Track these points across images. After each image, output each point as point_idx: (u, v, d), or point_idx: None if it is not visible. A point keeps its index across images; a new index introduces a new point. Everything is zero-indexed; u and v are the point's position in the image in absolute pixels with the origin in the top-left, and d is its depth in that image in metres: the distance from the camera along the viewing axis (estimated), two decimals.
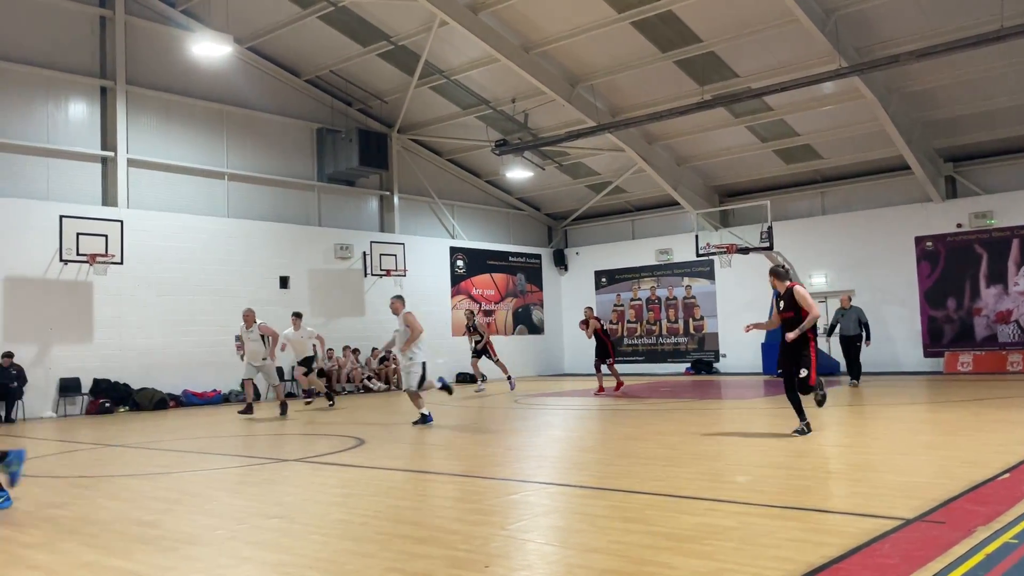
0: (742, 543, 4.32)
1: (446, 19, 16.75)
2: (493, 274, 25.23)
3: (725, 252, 20.78)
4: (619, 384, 16.35)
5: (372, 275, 21.30)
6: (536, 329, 26.55)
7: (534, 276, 26.68)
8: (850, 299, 16.42)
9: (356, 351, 20.62)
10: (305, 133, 21.02)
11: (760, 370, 20.96)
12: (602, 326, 16.61)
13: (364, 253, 21.31)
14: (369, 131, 21.33)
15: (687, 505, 5.38)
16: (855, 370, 15.93)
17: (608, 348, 16.26)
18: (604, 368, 16.30)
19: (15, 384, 14.70)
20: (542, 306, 26.84)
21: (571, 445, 9.26)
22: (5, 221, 15.31)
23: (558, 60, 18.75)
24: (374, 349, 21.10)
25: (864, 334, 15.67)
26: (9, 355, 14.82)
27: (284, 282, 19.72)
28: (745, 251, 20.67)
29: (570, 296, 27.25)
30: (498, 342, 24.72)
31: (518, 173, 22.97)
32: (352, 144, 20.58)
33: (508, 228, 26.38)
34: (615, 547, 4.32)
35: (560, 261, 27.34)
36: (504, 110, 21.07)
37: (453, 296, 23.89)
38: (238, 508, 5.93)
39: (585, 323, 16.38)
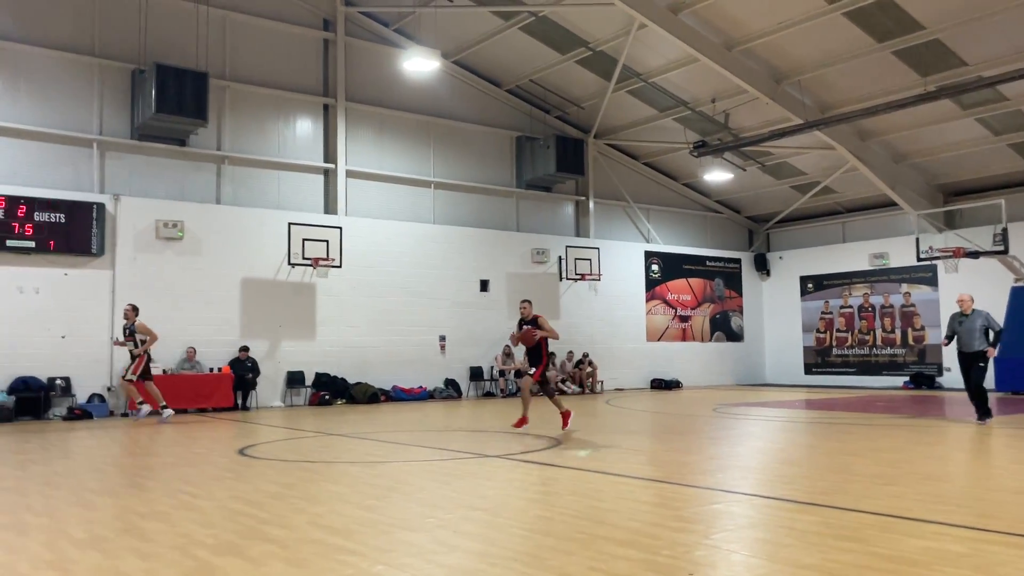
0: (976, 571, 3.93)
1: (645, 22, 16.63)
2: (689, 279, 24.68)
3: (951, 256, 19.03)
4: (565, 418, 10.98)
5: (567, 279, 21.55)
6: (735, 336, 25.66)
7: (733, 281, 25.80)
8: (972, 300, 11.84)
9: (552, 354, 20.92)
10: (505, 141, 21.66)
11: (993, 386, 18.97)
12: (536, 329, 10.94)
13: (560, 257, 21.61)
14: (566, 137, 21.61)
15: (911, 527, 4.97)
16: (980, 401, 11.56)
17: (543, 359, 11.10)
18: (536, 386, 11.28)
19: (250, 375, 16.31)
20: (742, 312, 25.90)
21: (776, 457, 8.85)
22: (243, 228, 17.02)
23: (762, 57, 18.03)
24: (570, 352, 21.33)
25: (990, 342, 11.50)
26: (245, 349, 16.46)
27: (484, 285, 20.42)
28: (975, 255, 18.81)
29: (773, 302, 26.09)
30: (693, 349, 24.23)
31: (717, 175, 22.33)
32: (550, 151, 20.95)
33: (706, 232, 25.71)
34: (831, 566, 4.07)
35: (762, 266, 26.25)
36: (703, 111, 20.57)
37: (648, 300, 23.63)
38: (446, 499, 6.20)
39: (521, 325, 11.14)
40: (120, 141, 16.07)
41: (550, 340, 11.17)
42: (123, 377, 13.54)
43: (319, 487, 6.80)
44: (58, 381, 14.64)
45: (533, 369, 11.08)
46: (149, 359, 13.52)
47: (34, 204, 14.53)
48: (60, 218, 14.77)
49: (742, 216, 26.47)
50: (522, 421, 11.12)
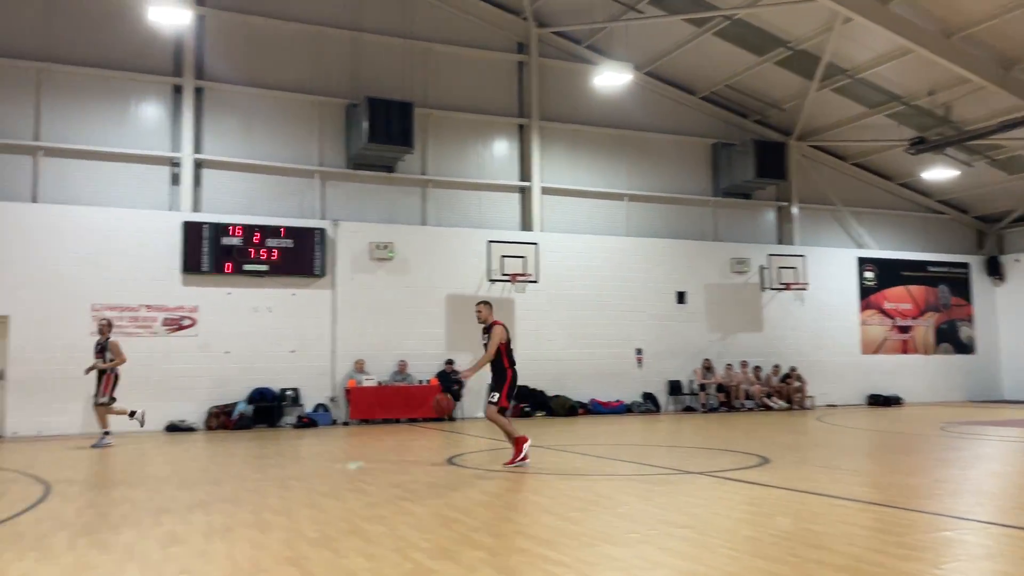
0: None
1: (850, 15, 15.70)
2: (909, 286, 22.82)
3: None
4: (517, 449, 9.03)
5: (770, 289, 20.67)
6: (965, 348, 23.37)
7: (960, 288, 23.54)
8: None
9: (758, 368, 20.13)
10: (700, 149, 21.21)
11: None
12: (508, 340, 9.18)
13: (761, 267, 20.77)
14: (766, 142, 20.80)
15: None
16: None
17: (507, 377, 9.04)
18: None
19: (456, 387, 17.04)
20: (972, 322, 23.55)
21: (1015, 482, 7.97)
22: (447, 247, 17.89)
23: (986, 42, 16.41)
24: (775, 366, 20.43)
25: None
26: (451, 362, 17.24)
27: (681, 297, 20.05)
28: None
29: (1010, 310, 23.53)
30: (915, 362, 22.36)
31: (938, 173, 20.55)
32: (748, 156, 20.25)
33: (926, 235, 23.69)
34: None
35: (995, 270, 23.75)
36: (920, 104, 19.03)
37: (862, 310, 22.10)
38: (648, 514, 6.16)
39: (487, 329, 9.14)
40: (337, 171, 17.46)
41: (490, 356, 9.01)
42: (95, 403, 12.34)
43: (523, 497, 6.99)
44: (288, 392, 16.08)
45: (496, 394, 8.93)
46: (116, 380, 12.37)
47: (267, 232, 16.12)
48: (289, 243, 16.28)
49: (969, 216, 24.14)
50: (519, 444, 8.96)
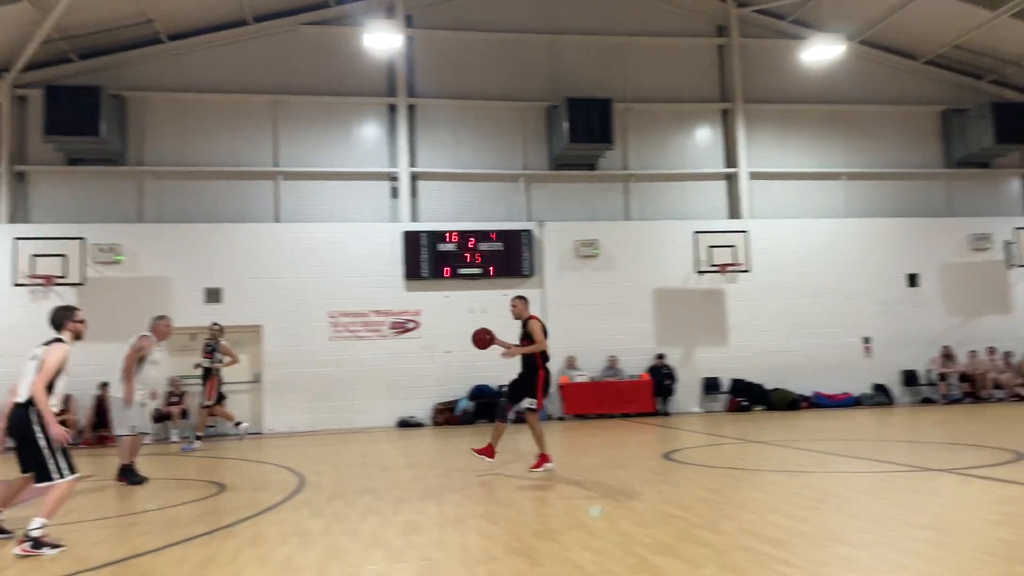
0: None
1: None
2: None
3: None
4: (542, 458, 8.76)
5: (1018, 266, 18.54)
6: None
7: None
8: None
9: (1008, 355, 18.13)
10: (926, 118, 19.46)
11: None
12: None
13: (1007, 242, 18.68)
14: (1006, 103, 18.69)
15: None
16: None
17: (540, 377, 8.87)
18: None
19: (668, 382, 16.89)
20: None
21: None
22: (651, 240, 17.74)
23: None
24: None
25: None
26: (661, 356, 17.10)
27: (913, 280, 18.51)
28: None
29: None
30: None
31: None
32: (985, 121, 18.30)
33: None
34: None
35: None
36: None
37: None
38: (883, 514, 5.79)
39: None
40: (541, 172, 17.88)
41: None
42: (201, 405, 12.76)
43: (745, 494, 6.82)
44: (506, 388, 16.68)
45: (531, 400, 8.65)
46: (220, 384, 12.77)
47: (478, 236, 16.86)
48: (499, 246, 16.92)
49: None
50: (545, 458, 8.70)
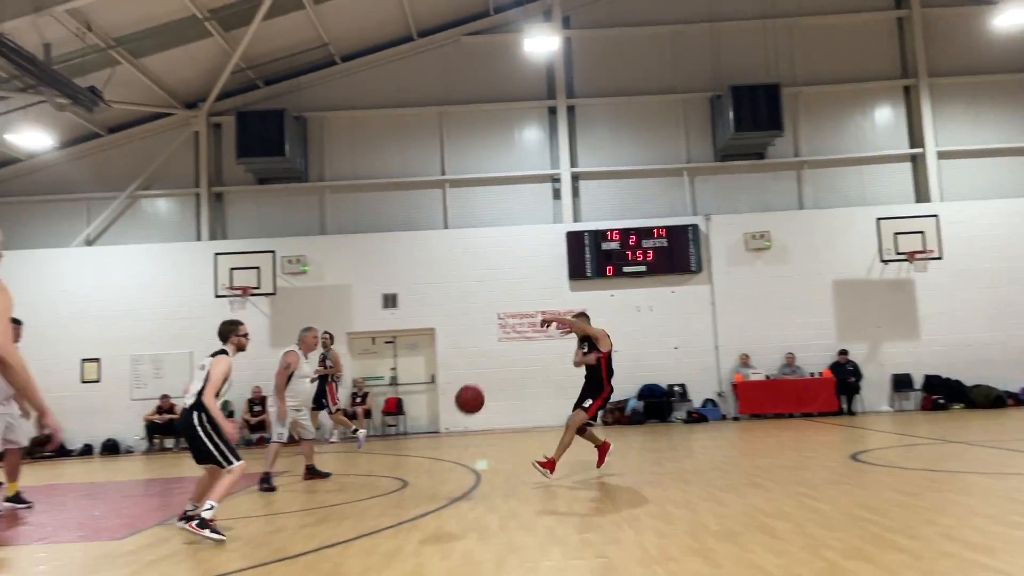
0: None
1: None
2: None
3: None
4: (551, 464, 8.39)
5: None
6: None
7: None
8: None
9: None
10: None
11: None
12: (610, 352, 8.76)
13: None
14: None
15: None
16: None
17: (604, 393, 8.68)
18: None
19: (852, 379, 15.90)
20: None
21: None
22: (828, 229, 16.79)
23: None
24: None
25: None
26: (844, 352, 16.13)
27: None
28: None
29: None
30: None
31: None
32: None
33: None
34: None
35: None
36: None
37: None
38: None
39: (585, 338, 8.91)
40: (705, 165, 17.40)
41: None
42: (330, 413, 12.41)
43: (945, 497, 6.29)
44: (676, 387, 16.37)
45: (589, 400, 8.56)
46: (337, 390, 12.51)
47: (641, 233, 16.65)
48: (663, 243, 16.63)
49: None
50: (552, 464, 8.38)
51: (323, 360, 13.14)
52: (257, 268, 15.97)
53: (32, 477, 11.22)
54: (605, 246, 16.67)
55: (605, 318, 16.52)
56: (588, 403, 8.50)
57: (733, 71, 17.29)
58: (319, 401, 12.46)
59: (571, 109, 17.59)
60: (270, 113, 16.41)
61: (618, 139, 17.56)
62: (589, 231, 16.74)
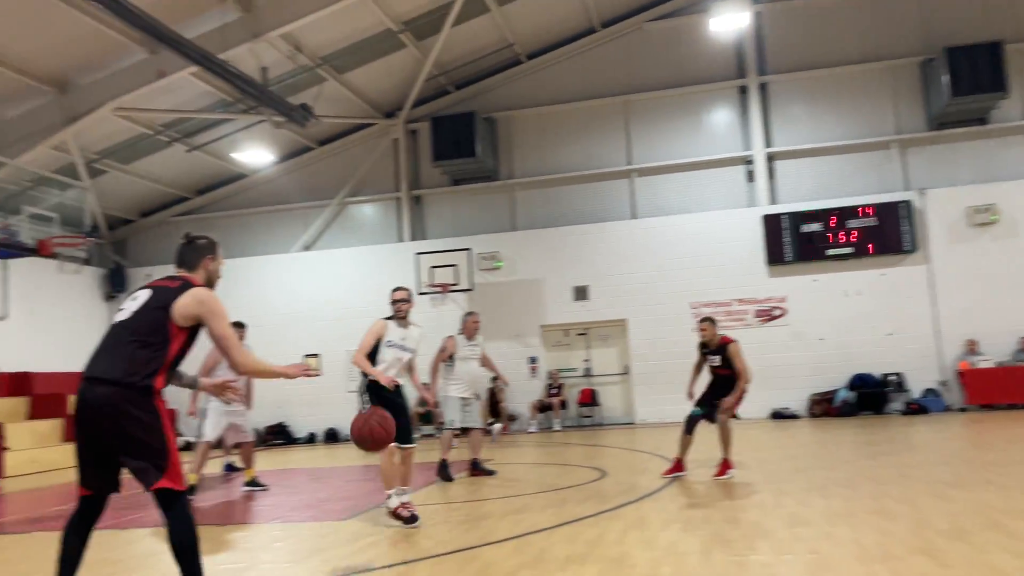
0: None
1: None
2: None
3: None
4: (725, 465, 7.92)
5: None
6: None
7: None
8: None
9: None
10: None
11: None
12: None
13: None
14: None
15: None
16: None
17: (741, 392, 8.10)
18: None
19: None
20: None
21: None
22: None
23: None
24: None
25: None
26: None
27: None
28: None
29: None
30: None
31: None
32: None
33: None
34: None
35: None
36: None
37: None
38: None
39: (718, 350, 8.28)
40: (917, 135, 16.03)
41: None
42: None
43: None
44: (891, 377, 15.23)
45: (728, 399, 8.07)
46: None
47: (845, 213, 15.62)
48: (871, 222, 15.50)
49: None
50: (729, 464, 7.97)
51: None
52: (455, 266, 16.65)
53: (267, 463, 12.41)
54: (805, 228, 15.81)
55: (809, 304, 15.75)
56: (728, 401, 8.09)
57: (946, 31, 15.78)
58: None
59: (763, 87, 16.83)
60: (461, 116, 17.03)
61: (816, 114, 16.58)
62: (787, 213, 15.95)
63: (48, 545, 6.53)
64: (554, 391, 16.35)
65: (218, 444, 9.34)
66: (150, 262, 18.38)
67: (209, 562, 5.44)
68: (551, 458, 11.19)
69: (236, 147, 16.86)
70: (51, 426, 14.26)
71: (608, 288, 16.68)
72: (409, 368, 6.64)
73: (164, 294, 3.72)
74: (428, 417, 15.47)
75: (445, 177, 18.02)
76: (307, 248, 18.44)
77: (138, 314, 3.67)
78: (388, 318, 6.60)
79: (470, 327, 9.21)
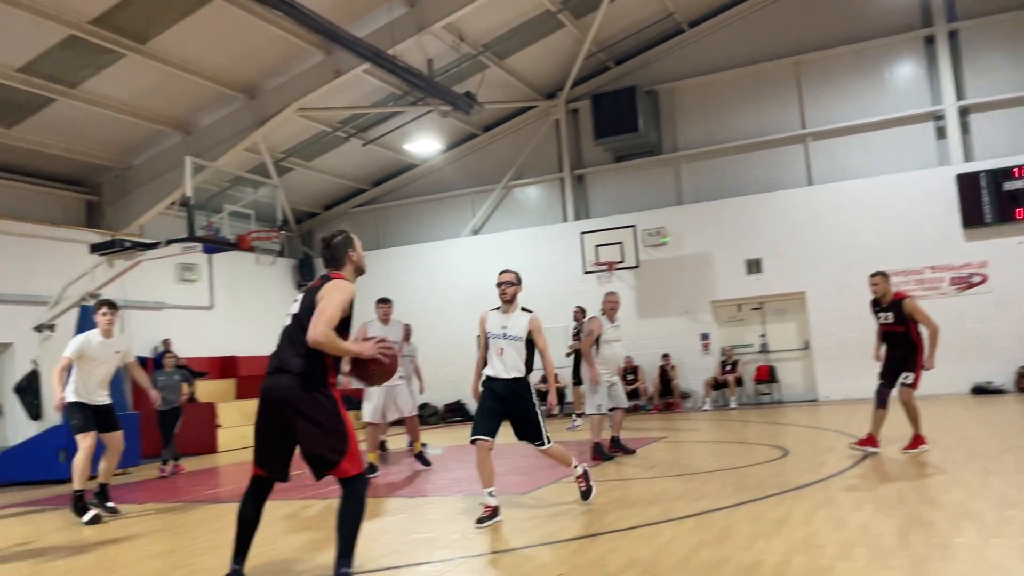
0: None
1: None
2: None
3: None
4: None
5: None
6: None
7: None
8: None
9: None
10: None
11: None
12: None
13: None
14: None
15: None
16: None
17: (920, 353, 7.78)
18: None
19: None
20: None
21: None
22: None
23: None
24: None
25: None
26: None
27: None
28: None
29: None
30: None
31: None
32: None
33: None
34: None
35: None
36: None
37: None
38: None
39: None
40: None
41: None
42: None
43: None
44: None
45: (909, 375, 7.72)
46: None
47: None
48: None
49: None
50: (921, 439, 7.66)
51: (577, 334, 13.30)
52: (620, 243, 16.52)
53: (447, 439, 12.93)
54: (1008, 186, 14.39)
55: (1013, 270, 14.35)
56: (910, 377, 7.74)
57: None
58: (578, 376, 12.62)
59: (952, 35, 15.41)
60: (622, 92, 16.81)
61: (1018, 60, 14.99)
62: (986, 171, 14.57)
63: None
64: (728, 368, 15.91)
65: (399, 422, 9.74)
66: None
67: (398, 531, 5.79)
68: (728, 436, 10.92)
69: (407, 139, 17.57)
70: (256, 405, 15.57)
71: (783, 260, 15.97)
72: (528, 354, 6.03)
73: (311, 293, 4.10)
74: (561, 396, 15.46)
75: (607, 154, 17.89)
76: (475, 232, 18.94)
77: (301, 314, 4.07)
78: (495, 308, 6.20)
79: (609, 307, 9.06)
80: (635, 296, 16.84)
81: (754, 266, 16.21)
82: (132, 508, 7.72)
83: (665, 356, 16.26)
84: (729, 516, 5.38)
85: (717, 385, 15.92)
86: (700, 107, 17.32)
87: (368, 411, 9.05)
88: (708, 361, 16.36)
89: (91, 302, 10.63)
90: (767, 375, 16.08)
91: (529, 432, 5.95)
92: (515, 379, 5.92)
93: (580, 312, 13.34)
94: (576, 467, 6.22)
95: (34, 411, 10.85)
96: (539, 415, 5.95)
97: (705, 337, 16.47)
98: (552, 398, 6.31)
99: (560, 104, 18.16)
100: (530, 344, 6.04)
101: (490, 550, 5.00)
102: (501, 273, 6.16)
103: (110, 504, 7.42)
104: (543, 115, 18.42)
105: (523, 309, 6.13)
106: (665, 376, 16.17)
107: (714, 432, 11.63)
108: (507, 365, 5.94)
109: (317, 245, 20.07)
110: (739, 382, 15.81)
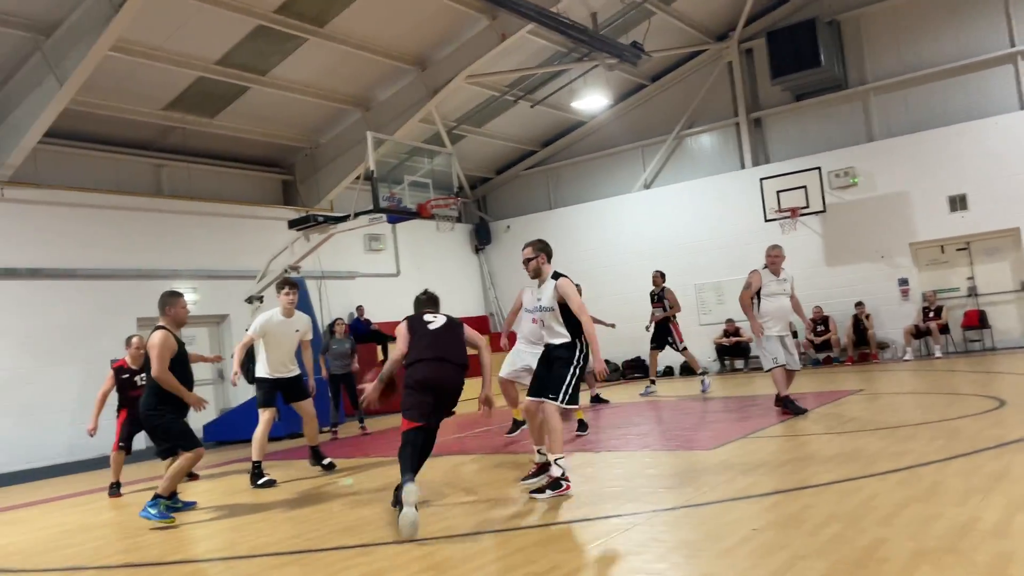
0: None
1: None
2: None
3: None
4: None
5: None
6: None
7: None
8: None
9: None
10: None
11: None
12: None
13: None
14: None
15: None
16: None
17: None
18: None
19: None
20: None
21: None
22: None
23: None
24: None
25: None
26: None
27: None
28: None
29: None
30: None
31: None
32: None
33: None
34: None
35: None
36: None
37: None
38: None
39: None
40: None
41: None
42: (680, 351, 12.51)
43: None
44: None
45: None
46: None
47: None
48: None
49: None
50: None
51: (659, 300, 12.74)
52: (804, 187, 15.63)
53: (629, 396, 12.94)
54: None
55: None
56: None
57: None
58: (662, 341, 12.46)
59: None
60: (800, 25, 15.75)
61: None
62: None
63: (448, 466, 7.52)
64: (931, 314, 14.73)
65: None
66: (508, 214, 19.96)
67: (584, 486, 5.87)
68: (934, 387, 10.15)
69: (574, 96, 17.45)
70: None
71: (992, 194, 14.48)
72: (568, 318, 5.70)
73: (452, 320, 5.75)
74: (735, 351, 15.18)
75: (786, 94, 16.88)
76: (647, 187, 18.58)
77: (449, 325, 5.65)
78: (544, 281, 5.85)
79: (773, 261, 8.66)
80: (822, 243, 15.93)
81: (958, 203, 14.83)
82: (344, 462, 8.36)
83: (859, 305, 15.30)
84: (939, 471, 5.02)
85: (919, 333, 14.80)
86: (889, 33, 15.92)
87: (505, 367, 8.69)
88: (908, 308, 15.23)
89: (293, 274, 11.48)
90: (977, 320, 14.73)
91: (548, 385, 5.66)
92: (561, 344, 5.73)
93: (660, 276, 12.80)
94: (557, 459, 5.58)
95: (250, 376, 11.95)
96: (570, 376, 5.62)
97: (904, 282, 15.32)
98: (599, 364, 5.61)
99: (732, 45, 17.32)
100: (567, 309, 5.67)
101: (681, 504, 4.97)
102: (522, 249, 5.93)
103: (326, 461, 8.04)
104: (714, 58, 17.64)
105: (554, 275, 5.78)
106: (859, 326, 15.23)
107: (917, 383, 10.85)
108: (549, 334, 5.81)
109: (490, 208, 20.65)
110: (944, 329, 14.61)
